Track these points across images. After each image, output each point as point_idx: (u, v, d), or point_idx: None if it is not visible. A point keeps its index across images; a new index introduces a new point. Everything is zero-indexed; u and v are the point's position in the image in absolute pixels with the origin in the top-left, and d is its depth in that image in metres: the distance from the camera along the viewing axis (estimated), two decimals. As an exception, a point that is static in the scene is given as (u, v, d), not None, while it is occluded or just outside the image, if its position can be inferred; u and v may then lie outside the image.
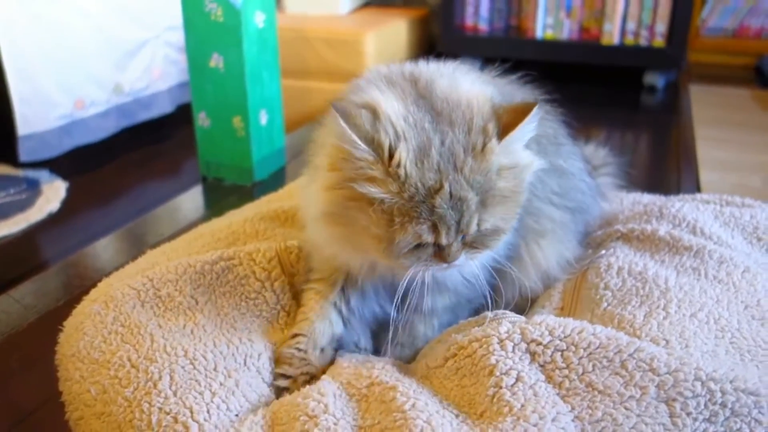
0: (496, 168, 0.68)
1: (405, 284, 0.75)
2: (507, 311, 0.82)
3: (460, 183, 0.66)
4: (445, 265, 0.70)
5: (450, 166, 0.66)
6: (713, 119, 2.35)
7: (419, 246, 0.69)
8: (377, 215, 0.67)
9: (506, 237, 0.75)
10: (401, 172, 0.66)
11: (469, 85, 0.74)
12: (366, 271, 0.82)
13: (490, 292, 0.83)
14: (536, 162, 0.74)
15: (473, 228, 0.68)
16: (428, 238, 0.68)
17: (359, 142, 0.66)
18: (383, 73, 0.77)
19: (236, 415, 0.73)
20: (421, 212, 0.66)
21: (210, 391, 0.74)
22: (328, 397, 0.71)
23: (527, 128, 0.70)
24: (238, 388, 0.76)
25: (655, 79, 2.72)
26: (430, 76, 0.75)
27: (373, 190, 0.66)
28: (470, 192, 0.67)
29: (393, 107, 0.69)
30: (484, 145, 0.68)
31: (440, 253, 0.70)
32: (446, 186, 0.66)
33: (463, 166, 0.67)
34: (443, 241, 0.68)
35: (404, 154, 0.66)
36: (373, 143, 0.67)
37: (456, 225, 0.67)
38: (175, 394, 0.73)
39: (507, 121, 0.69)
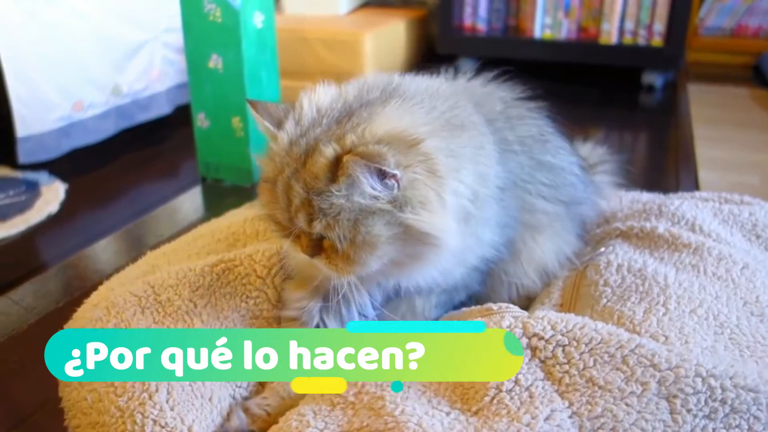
0: (325, 178, 0.69)
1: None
2: (510, 305, 0.82)
3: (299, 175, 0.70)
4: (302, 255, 0.74)
5: (303, 158, 0.70)
6: (712, 118, 2.36)
7: (281, 226, 0.74)
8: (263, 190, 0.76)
9: (365, 268, 0.72)
10: (274, 147, 0.74)
11: (401, 113, 0.73)
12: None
13: (483, 281, 0.87)
14: (406, 215, 0.70)
15: (301, 221, 0.71)
16: (269, 208, 0.74)
17: (264, 122, 0.75)
18: (369, 78, 0.82)
19: None
20: (270, 186, 0.73)
21: (206, 422, 0.75)
22: (308, 416, 0.72)
23: (355, 173, 0.67)
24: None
25: (653, 78, 2.73)
26: (396, 92, 0.77)
27: (266, 162, 0.75)
28: (300, 186, 0.70)
29: (318, 99, 0.76)
30: (323, 154, 0.69)
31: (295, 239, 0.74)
32: (287, 172, 0.71)
33: (307, 162, 0.70)
34: (278, 215, 0.73)
35: (284, 135, 0.73)
36: (273, 122, 0.75)
37: (287, 209, 0.71)
38: (172, 408, 0.73)
39: (361, 151, 0.67)
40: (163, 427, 0.71)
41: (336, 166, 0.68)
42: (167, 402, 0.73)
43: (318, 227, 0.70)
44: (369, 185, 0.68)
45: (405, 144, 0.69)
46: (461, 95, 0.84)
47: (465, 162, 0.75)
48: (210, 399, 0.77)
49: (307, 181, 0.69)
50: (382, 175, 0.67)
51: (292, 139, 0.72)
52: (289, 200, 0.71)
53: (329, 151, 0.69)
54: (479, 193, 0.77)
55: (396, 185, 0.68)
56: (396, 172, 0.67)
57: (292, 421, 0.71)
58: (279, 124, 0.75)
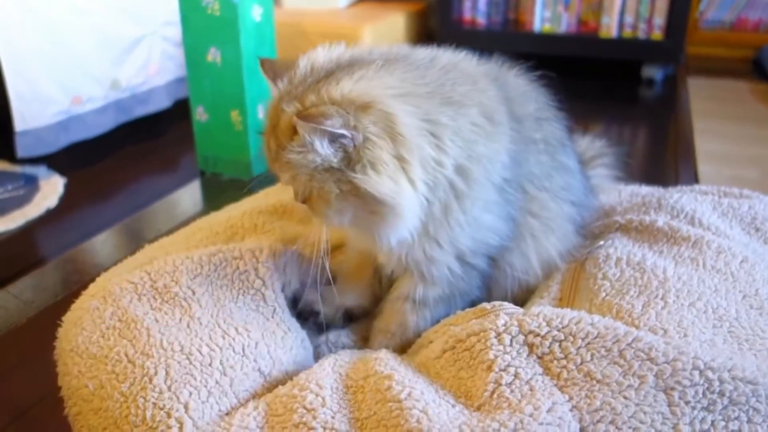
0: (288, 134, 0.72)
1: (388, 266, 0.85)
2: (504, 303, 0.81)
3: (276, 130, 0.74)
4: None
5: (287, 110, 0.74)
6: (711, 112, 2.35)
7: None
8: None
9: (331, 218, 0.76)
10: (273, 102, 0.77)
11: (376, 75, 0.74)
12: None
13: (484, 283, 0.86)
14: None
15: (278, 170, 0.76)
16: (265, 157, 0.79)
17: (267, 78, 0.79)
18: (386, 47, 0.84)
19: (227, 414, 0.73)
20: (263, 137, 0.79)
21: (206, 389, 0.74)
22: (325, 390, 0.71)
23: (308, 130, 0.70)
24: (231, 387, 0.75)
25: (653, 72, 2.72)
26: (394, 58, 0.77)
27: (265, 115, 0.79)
28: (273, 141, 0.75)
29: (316, 58, 0.78)
30: (286, 112, 0.72)
31: None
32: (270, 125, 0.76)
33: (283, 116, 0.73)
34: (269, 162, 0.78)
35: (275, 91, 0.77)
36: (274, 78, 0.79)
37: (272, 158, 0.76)
38: (169, 388, 0.72)
39: (307, 113, 0.70)
40: (161, 409, 0.70)
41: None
42: (165, 383, 0.73)
43: (286, 178, 0.75)
44: (319, 144, 0.70)
45: (358, 105, 0.69)
46: (488, 81, 0.83)
47: (450, 132, 0.74)
48: (210, 364, 0.76)
49: (278, 136, 0.74)
50: (332, 135, 0.69)
51: (281, 95, 0.76)
52: (270, 152, 0.76)
53: (291, 109, 0.72)
54: (470, 170, 0.76)
55: (351, 144, 0.70)
56: (343, 132, 0.69)
57: (308, 393, 0.70)
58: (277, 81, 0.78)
